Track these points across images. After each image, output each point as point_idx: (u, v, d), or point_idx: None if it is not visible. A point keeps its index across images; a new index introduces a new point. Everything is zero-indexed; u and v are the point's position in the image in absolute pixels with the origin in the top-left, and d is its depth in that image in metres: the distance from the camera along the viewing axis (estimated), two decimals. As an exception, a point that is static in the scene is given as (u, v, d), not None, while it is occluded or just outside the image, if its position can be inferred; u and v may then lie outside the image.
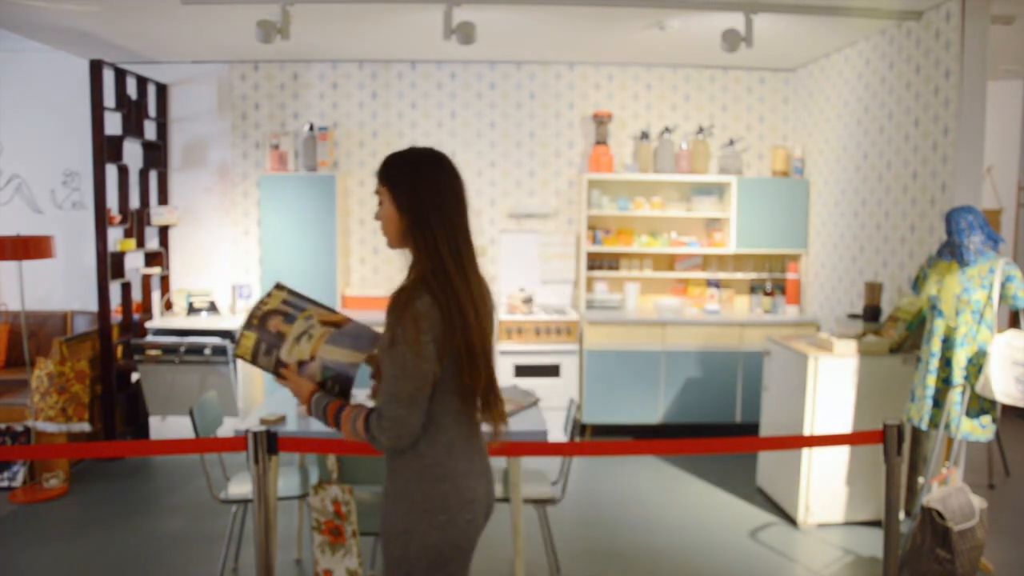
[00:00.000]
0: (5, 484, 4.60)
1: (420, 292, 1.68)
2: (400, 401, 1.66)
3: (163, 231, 5.88)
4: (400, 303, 1.68)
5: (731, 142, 5.86)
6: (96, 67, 4.94)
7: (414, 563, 1.74)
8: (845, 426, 4.02)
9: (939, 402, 3.56)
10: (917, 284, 3.77)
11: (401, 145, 1.85)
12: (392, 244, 1.83)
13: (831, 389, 4.00)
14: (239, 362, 5.33)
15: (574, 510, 4.30)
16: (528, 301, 5.58)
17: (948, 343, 3.53)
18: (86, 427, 4.71)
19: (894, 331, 4.04)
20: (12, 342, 5.56)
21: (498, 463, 4.28)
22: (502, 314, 5.52)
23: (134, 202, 5.66)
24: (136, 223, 5.59)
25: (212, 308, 5.67)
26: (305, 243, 5.56)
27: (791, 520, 4.16)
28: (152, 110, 5.70)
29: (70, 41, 5.18)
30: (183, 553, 3.77)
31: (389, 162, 1.80)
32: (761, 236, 5.74)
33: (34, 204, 5.86)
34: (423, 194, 1.75)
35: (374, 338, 1.86)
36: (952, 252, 3.53)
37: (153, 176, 5.81)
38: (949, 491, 3.34)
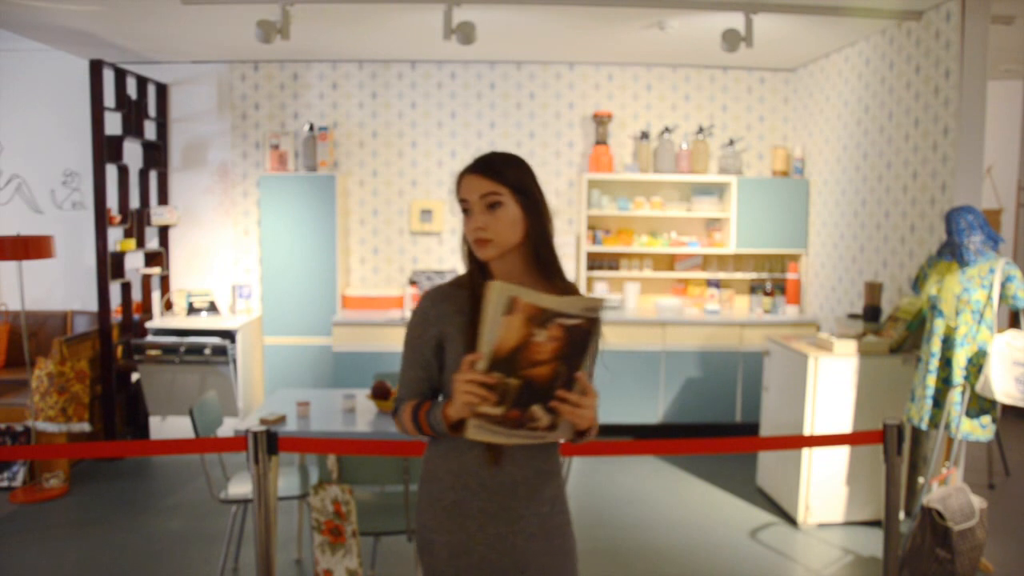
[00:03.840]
0: (5, 484, 4.60)
1: None
2: None
3: (163, 231, 5.88)
4: None
5: (731, 142, 5.86)
6: (96, 67, 4.94)
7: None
8: (845, 426, 4.02)
9: (939, 402, 3.56)
10: (917, 284, 3.78)
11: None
12: (493, 254, 1.69)
13: (831, 389, 4.00)
14: (239, 362, 5.33)
15: (574, 510, 4.26)
16: (528, 301, 5.57)
17: (948, 343, 3.53)
18: (86, 427, 4.71)
19: (894, 331, 4.04)
20: (12, 342, 5.56)
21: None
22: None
23: (134, 202, 5.66)
24: (136, 223, 5.59)
25: (212, 308, 5.67)
26: (305, 243, 5.56)
27: (791, 520, 4.16)
28: (152, 110, 5.70)
29: (70, 41, 5.18)
30: (183, 553, 3.77)
31: (512, 165, 1.72)
32: (761, 236, 5.73)
33: (34, 204, 5.86)
34: (541, 200, 1.74)
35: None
36: (952, 252, 3.53)
37: (153, 176, 5.81)
38: (949, 491, 3.34)
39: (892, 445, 2.48)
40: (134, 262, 5.71)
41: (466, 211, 1.70)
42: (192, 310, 5.67)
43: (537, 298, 1.44)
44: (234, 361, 5.29)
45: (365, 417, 3.58)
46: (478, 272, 1.75)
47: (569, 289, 1.74)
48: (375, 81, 5.89)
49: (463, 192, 1.70)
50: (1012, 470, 4.86)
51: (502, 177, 1.68)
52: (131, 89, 5.44)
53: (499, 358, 1.46)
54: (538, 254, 1.72)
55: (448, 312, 1.70)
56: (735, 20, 4.36)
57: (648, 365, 5.46)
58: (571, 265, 5.94)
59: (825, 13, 4.28)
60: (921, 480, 3.93)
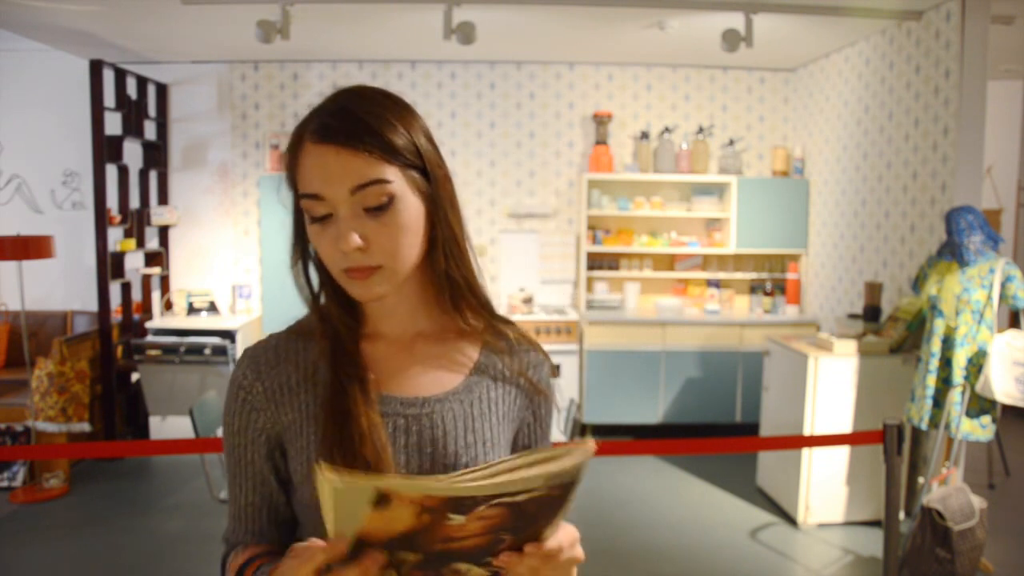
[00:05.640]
0: (5, 484, 4.60)
1: None
2: None
3: (163, 231, 5.87)
4: None
5: (731, 142, 5.86)
6: (96, 67, 4.94)
7: None
8: (845, 426, 4.02)
9: (939, 402, 3.56)
10: (917, 284, 3.78)
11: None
12: (383, 291, 0.97)
13: (831, 389, 4.00)
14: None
15: (574, 510, 4.25)
16: (528, 301, 5.57)
17: (948, 343, 3.53)
18: (86, 427, 4.71)
19: (894, 331, 4.04)
20: (12, 342, 5.56)
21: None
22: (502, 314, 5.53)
23: (134, 202, 5.66)
24: (136, 223, 5.59)
25: (212, 308, 5.67)
26: (305, 243, 5.55)
27: (791, 520, 4.16)
28: (152, 110, 5.69)
29: (70, 41, 5.18)
30: (183, 553, 3.77)
31: (396, 116, 0.98)
32: (761, 236, 5.73)
33: (34, 204, 5.86)
34: (447, 175, 1.01)
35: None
36: (952, 252, 3.53)
37: (153, 176, 5.81)
38: (949, 491, 3.34)
39: (892, 445, 2.48)
40: (134, 262, 5.70)
41: (315, 216, 0.96)
42: (192, 310, 5.67)
43: (448, 488, 0.80)
44: (234, 361, 5.29)
45: (365, 417, 3.58)
46: (338, 309, 1.02)
47: (501, 332, 1.13)
48: (375, 81, 5.88)
49: (316, 184, 0.94)
50: (1012, 470, 4.85)
51: (389, 148, 0.93)
52: (131, 89, 5.44)
53: (374, 541, 0.80)
54: (436, 275, 1.00)
55: (286, 385, 0.98)
56: (735, 20, 4.36)
57: (648, 365, 5.46)
58: (571, 265, 5.94)
59: (825, 13, 4.28)
60: (921, 480, 3.93)
